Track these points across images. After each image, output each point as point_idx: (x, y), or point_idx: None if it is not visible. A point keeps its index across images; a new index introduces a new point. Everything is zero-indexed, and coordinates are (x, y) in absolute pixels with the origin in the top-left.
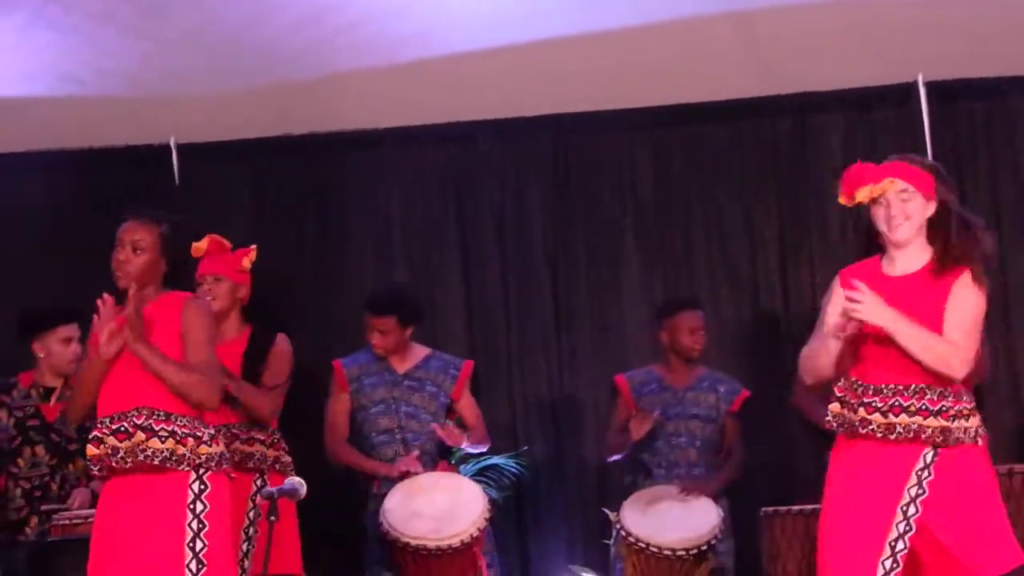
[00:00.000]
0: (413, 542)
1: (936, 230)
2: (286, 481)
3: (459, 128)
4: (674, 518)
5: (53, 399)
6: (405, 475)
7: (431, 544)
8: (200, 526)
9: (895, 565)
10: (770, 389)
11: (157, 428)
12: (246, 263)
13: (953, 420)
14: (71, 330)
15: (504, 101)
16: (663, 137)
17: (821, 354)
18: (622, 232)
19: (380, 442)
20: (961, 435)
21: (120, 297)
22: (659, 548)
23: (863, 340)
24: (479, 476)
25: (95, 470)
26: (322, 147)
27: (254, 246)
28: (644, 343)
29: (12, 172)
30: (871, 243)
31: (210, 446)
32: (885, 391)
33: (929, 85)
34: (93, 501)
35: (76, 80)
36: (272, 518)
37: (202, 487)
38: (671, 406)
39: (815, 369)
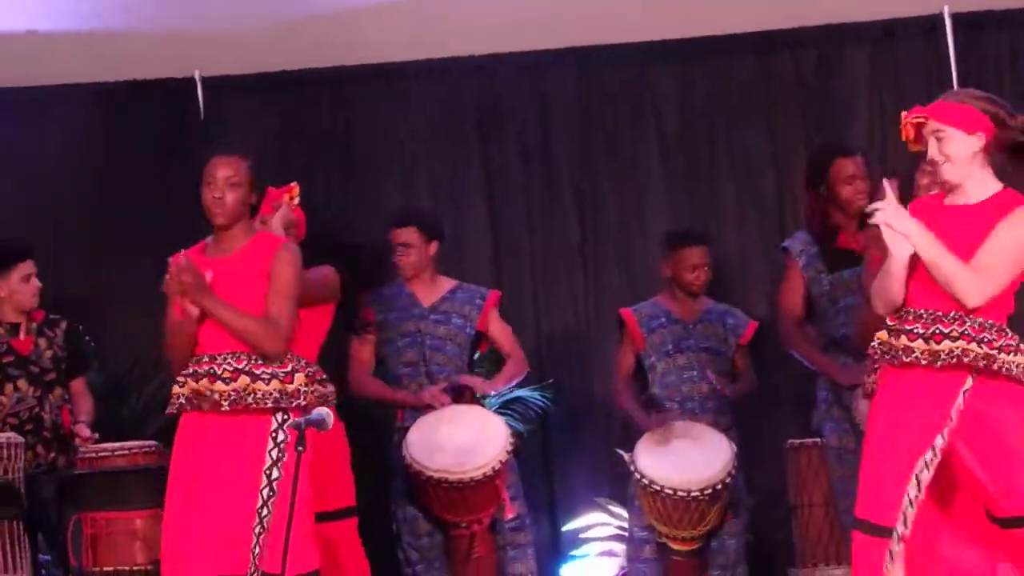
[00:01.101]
0: (435, 475)
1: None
2: (313, 412)
3: (483, 61)
4: (687, 459)
5: (22, 333)
6: (429, 408)
7: (453, 477)
8: (279, 455)
9: (918, 494)
10: None
11: (259, 372)
12: (287, 199)
13: (999, 352)
14: (29, 266)
15: (528, 34)
16: (688, 69)
17: (887, 280)
18: (647, 164)
19: (404, 375)
20: (1006, 366)
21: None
22: (673, 490)
23: (923, 267)
24: (504, 409)
25: (177, 406)
26: (347, 80)
27: (294, 184)
28: None
29: (36, 106)
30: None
31: (308, 385)
32: (925, 316)
33: (955, 16)
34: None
35: (100, 15)
36: (300, 448)
37: (285, 418)
38: (681, 339)
39: (886, 298)
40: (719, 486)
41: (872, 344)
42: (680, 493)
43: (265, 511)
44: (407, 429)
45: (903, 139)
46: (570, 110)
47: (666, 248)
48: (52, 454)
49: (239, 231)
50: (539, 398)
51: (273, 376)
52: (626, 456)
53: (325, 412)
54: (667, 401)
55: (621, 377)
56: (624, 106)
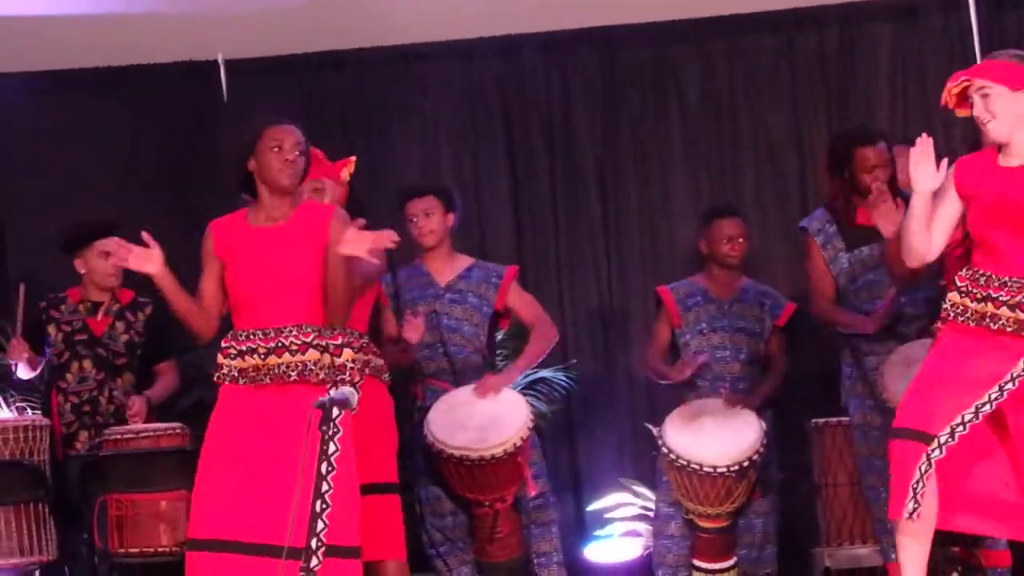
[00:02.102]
0: (456, 452)
1: None
2: (338, 390)
3: (506, 41)
4: (716, 435)
5: (100, 313)
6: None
7: (474, 455)
8: (335, 430)
9: (974, 418)
10: None
11: (316, 344)
12: (345, 174)
13: None
14: (110, 243)
15: (551, 13)
16: (710, 48)
17: (910, 222)
18: (670, 143)
19: (423, 356)
20: None
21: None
22: (700, 465)
23: (988, 229)
24: (528, 390)
25: (230, 379)
26: (369, 61)
27: (353, 157)
28: (693, 254)
29: (59, 90)
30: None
31: (365, 355)
32: (1010, 284)
33: None
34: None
35: None
36: (324, 427)
37: None
38: (716, 319)
39: (910, 244)
40: (746, 463)
41: (944, 305)
42: (707, 469)
43: (324, 486)
44: (427, 409)
45: (944, 106)
46: (593, 90)
47: (702, 223)
48: (99, 439)
49: (287, 201)
50: (562, 378)
51: (325, 350)
52: (654, 430)
53: (349, 391)
54: (699, 380)
55: (654, 351)
56: (647, 85)
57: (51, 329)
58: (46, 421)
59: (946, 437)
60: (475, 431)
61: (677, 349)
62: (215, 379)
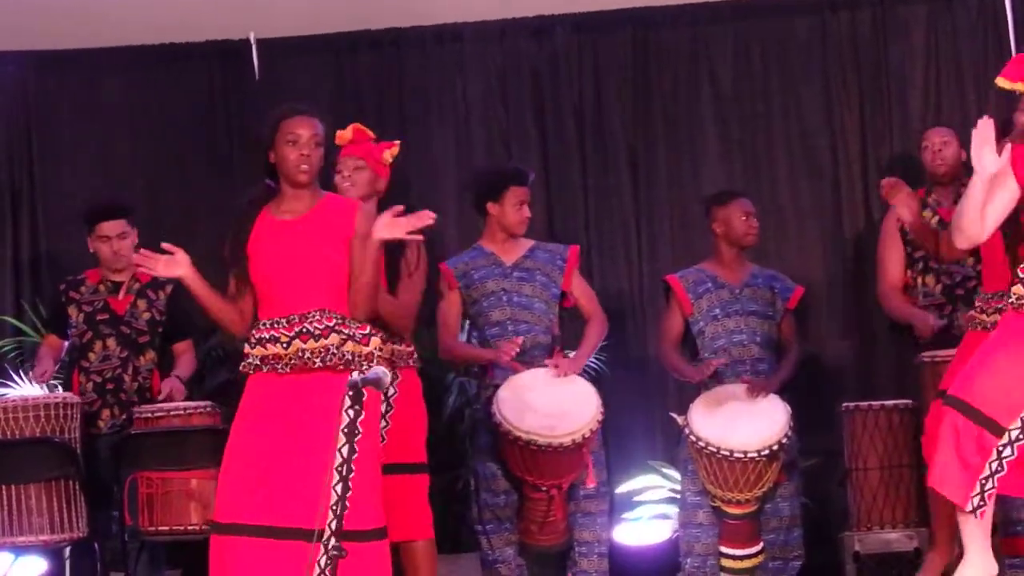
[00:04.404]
0: (524, 436)
1: None
2: (371, 370)
3: (538, 22)
4: (744, 420)
5: (122, 293)
6: (511, 361)
7: (541, 440)
8: (357, 413)
9: None
10: (851, 282)
11: (345, 332)
12: (388, 156)
13: None
14: (110, 227)
15: None
16: (743, 30)
17: (964, 204)
18: (702, 126)
19: (492, 335)
20: None
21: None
22: (730, 451)
23: None
24: None
25: (254, 367)
26: (402, 42)
27: (398, 141)
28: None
29: (92, 69)
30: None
31: (384, 343)
32: None
33: None
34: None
35: None
36: (356, 407)
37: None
38: (729, 304)
39: (962, 225)
40: (776, 446)
41: (1010, 300)
42: (737, 454)
43: (346, 469)
44: (497, 387)
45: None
46: (625, 72)
47: (714, 206)
48: (125, 416)
49: (308, 193)
50: (593, 360)
51: (350, 338)
52: (679, 419)
53: (382, 371)
54: (720, 366)
55: (668, 344)
56: (679, 68)
57: (72, 310)
58: (77, 398)
59: (1017, 433)
60: (545, 417)
61: (691, 338)
62: (240, 369)
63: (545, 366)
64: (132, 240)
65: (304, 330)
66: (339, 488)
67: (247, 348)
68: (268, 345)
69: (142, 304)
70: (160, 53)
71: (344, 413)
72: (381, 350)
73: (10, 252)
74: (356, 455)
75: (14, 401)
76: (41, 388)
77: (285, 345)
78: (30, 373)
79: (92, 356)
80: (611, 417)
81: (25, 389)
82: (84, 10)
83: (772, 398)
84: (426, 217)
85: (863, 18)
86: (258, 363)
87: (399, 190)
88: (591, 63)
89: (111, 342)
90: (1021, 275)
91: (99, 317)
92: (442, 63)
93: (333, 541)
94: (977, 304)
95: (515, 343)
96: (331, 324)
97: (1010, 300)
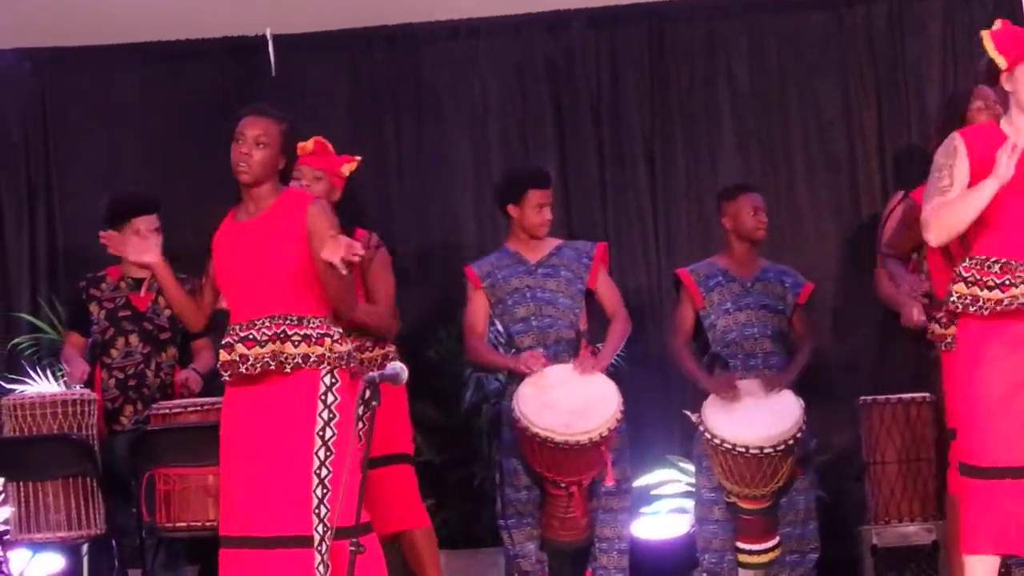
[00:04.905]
0: (541, 432)
1: None
2: (388, 366)
3: (554, 17)
4: (758, 415)
5: (143, 289)
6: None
7: (559, 438)
8: (330, 416)
9: None
10: (868, 276)
11: (291, 333)
12: (346, 170)
13: None
14: (144, 222)
15: None
16: (759, 24)
17: (963, 208)
18: (719, 120)
19: (517, 331)
20: None
21: (238, 192)
22: (746, 447)
23: (1000, 208)
24: None
25: (224, 375)
26: (418, 38)
27: (359, 157)
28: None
29: (107, 66)
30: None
31: (341, 345)
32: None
33: None
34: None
35: None
36: (374, 403)
37: (333, 380)
38: (740, 297)
39: (950, 224)
40: (791, 441)
41: (951, 299)
42: (753, 450)
43: (324, 471)
44: (519, 382)
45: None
46: (642, 66)
47: (724, 201)
48: (147, 412)
49: (266, 192)
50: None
51: (304, 338)
52: (694, 417)
53: (399, 367)
54: (730, 359)
55: (680, 339)
56: (696, 62)
57: (93, 308)
58: (94, 395)
59: None
60: (564, 414)
61: (702, 332)
62: (221, 379)
63: (569, 362)
64: (161, 235)
65: (251, 336)
66: (319, 491)
67: (222, 355)
68: (229, 351)
69: (163, 301)
70: (176, 49)
71: (318, 416)
72: (333, 350)
73: (27, 249)
74: (332, 456)
75: (32, 398)
76: (61, 386)
77: (239, 352)
78: (65, 376)
79: (114, 353)
80: (629, 411)
81: (42, 386)
82: (99, 7)
83: (785, 393)
84: (356, 250)
85: (879, 11)
86: (225, 371)
87: (349, 205)
88: (607, 58)
89: (133, 338)
90: (963, 273)
91: (121, 314)
92: (458, 59)
93: (325, 545)
94: (936, 316)
95: (539, 358)
96: (277, 331)
97: (952, 300)
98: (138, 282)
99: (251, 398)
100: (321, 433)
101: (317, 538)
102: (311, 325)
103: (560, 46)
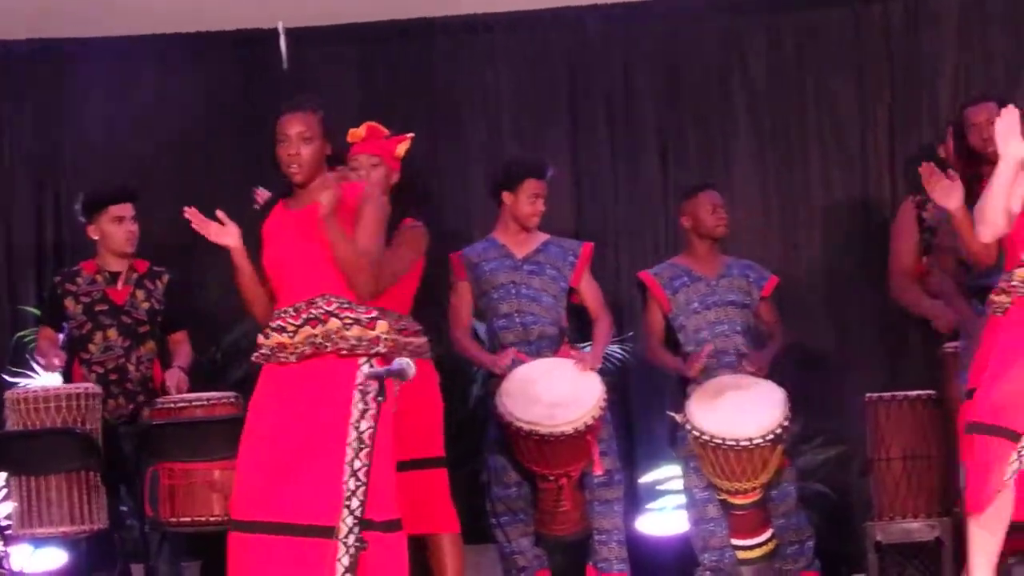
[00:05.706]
0: (526, 426)
1: None
2: (394, 362)
3: (569, 12)
4: (744, 408)
5: (120, 283)
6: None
7: (543, 430)
8: (366, 407)
9: None
10: (880, 273)
11: (343, 315)
12: (400, 150)
13: None
14: (123, 209)
15: None
16: (775, 21)
17: (988, 195)
18: (734, 117)
19: (500, 327)
20: None
21: (290, 190)
22: (736, 441)
23: None
24: None
25: (266, 356)
26: (432, 32)
27: (411, 134)
28: (756, 228)
29: (119, 57)
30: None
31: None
32: None
33: None
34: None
35: None
36: (380, 399)
37: (371, 369)
38: (706, 296)
39: (985, 216)
40: (779, 430)
41: (1014, 284)
42: (743, 443)
43: (357, 463)
44: (502, 378)
45: None
46: (656, 62)
47: (683, 200)
48: (132, 406)
49: (313, 185)
50: (618, 351)
51: (356, 322)
52: (678, 417)
53: (405, 362)
54: (707, 359)
55: (654, 341)
56: (711, 58)
57: (68, 303)
58: (98, 389)
59: None
60: (547, 407)
61: (675, 334)
62: (252, 359)
63: (549, 357)
64: (137, 224)
65: (310, 316)
66: (351, 483)
67: (260, 338)
68: (276, 334)
69: (141, 294)
70: (188, 41)
71: (354, 407)
72: (387, 334)
73: (34, 243)
74: (366, 449)
75: (35, 392)
76: (60, 378)
77: (291, 334)
78: (40, 364)
79: (92, 347)
80: (635, 408)
81: (46, 379)
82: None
83: (766, 383)
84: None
85: (895, 9)
86: (268, 352)
87: (409, 185)
88: (622, 53)
89: (112, 332)
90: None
91: (98, 308)
92: (472, 53)
93: (352, 537)
94: (1000, 284)
95: (508, 357)
96: (331, 308)
97: (1013, 284)
98: (115, 275)
99: (286, 382)
100: (356, 424)
101: (345, 530)
102: (359, 309)
103: (575, 42)
